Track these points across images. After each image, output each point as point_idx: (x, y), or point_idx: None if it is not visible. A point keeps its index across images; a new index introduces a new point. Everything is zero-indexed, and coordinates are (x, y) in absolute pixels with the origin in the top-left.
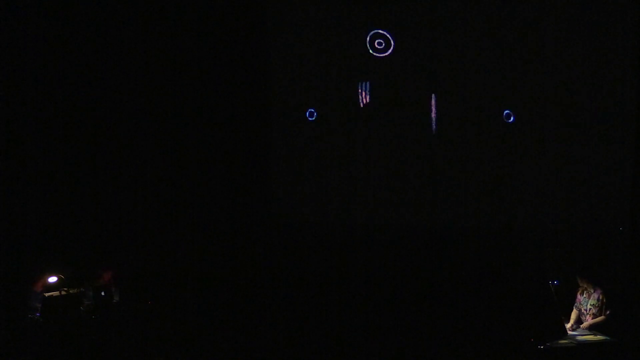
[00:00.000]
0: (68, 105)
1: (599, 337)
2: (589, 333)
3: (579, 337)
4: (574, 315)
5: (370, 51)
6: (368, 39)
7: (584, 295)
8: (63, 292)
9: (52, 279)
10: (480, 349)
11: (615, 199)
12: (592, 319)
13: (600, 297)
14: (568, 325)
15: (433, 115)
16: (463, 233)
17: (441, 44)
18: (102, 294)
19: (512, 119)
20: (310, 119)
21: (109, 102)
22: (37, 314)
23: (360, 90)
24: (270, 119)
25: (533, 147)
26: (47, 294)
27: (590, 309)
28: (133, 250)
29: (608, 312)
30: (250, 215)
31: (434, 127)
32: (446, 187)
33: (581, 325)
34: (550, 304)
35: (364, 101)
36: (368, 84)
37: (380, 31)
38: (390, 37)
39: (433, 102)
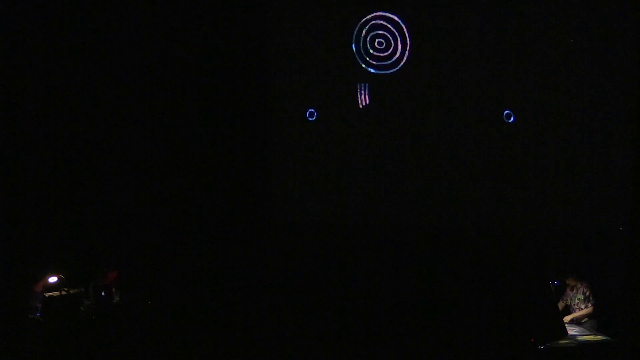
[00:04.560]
0: (67, 103)
1: (599, 337)
2: (589, 333)
3: (579, 337)
4: (560, 306)
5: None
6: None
7: (573, 291)
8: (63, 292)
9: (53, 279)
10: (481, 349)
11: (615, 199)
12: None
13: (585, 291)
14: None
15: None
16: (463, 233)
17: (441, 43)
18: (103, 294)
19: (512, 119)
20: (310, 119)
21: (110, 104)
22: (37, 314)
23: (360, 90)
24: (270, 119)
25: (533, 147)
26: (47, 294)
27: (577, 303)
28: (133, 250)
29: (590, 304)
30: (250, 215)
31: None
32: (445, 187)
33: (565, 319)
34: (550, 304)
35: (364, 102)
36: (367, 85)
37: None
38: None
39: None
